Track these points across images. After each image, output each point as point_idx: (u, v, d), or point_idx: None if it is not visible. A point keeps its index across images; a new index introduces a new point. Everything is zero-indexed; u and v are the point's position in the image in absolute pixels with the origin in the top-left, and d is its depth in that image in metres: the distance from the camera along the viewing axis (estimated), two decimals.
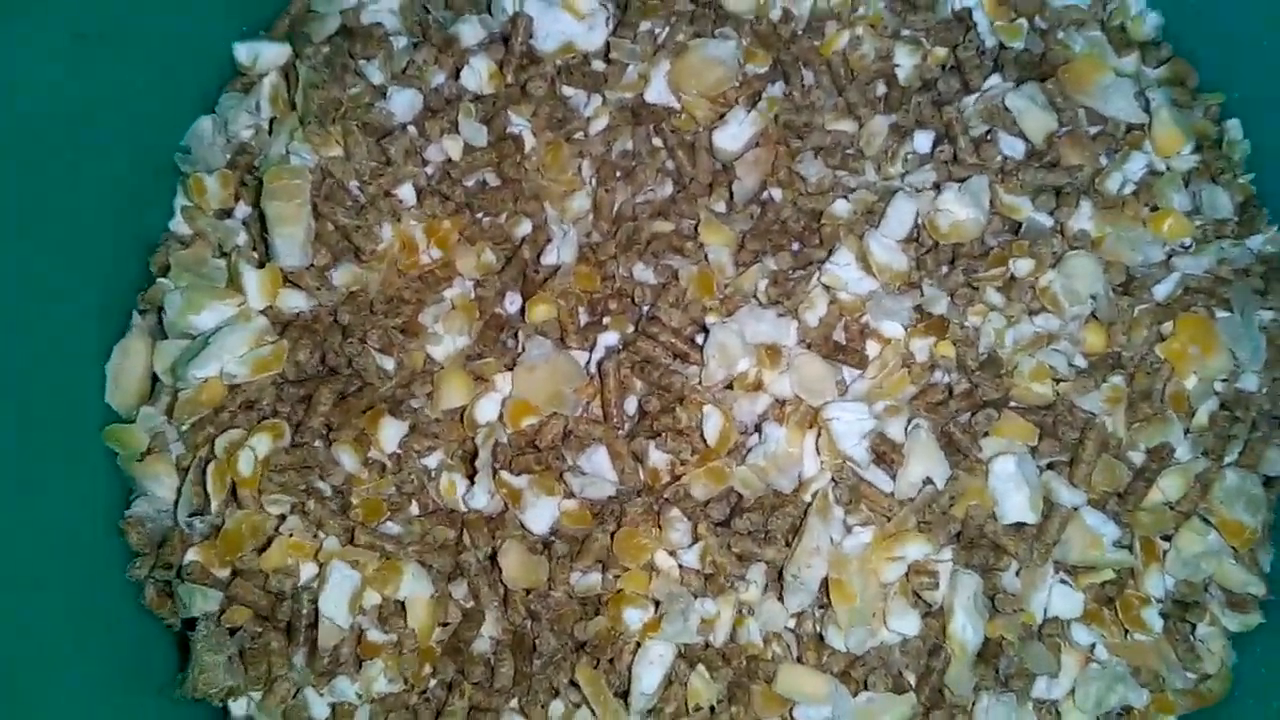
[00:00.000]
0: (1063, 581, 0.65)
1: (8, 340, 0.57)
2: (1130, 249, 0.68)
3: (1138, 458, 0.67)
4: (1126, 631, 0.66)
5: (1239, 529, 0.65)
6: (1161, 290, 0.68)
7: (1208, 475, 0.66)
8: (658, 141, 0.71)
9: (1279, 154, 0.72)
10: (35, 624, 0.57)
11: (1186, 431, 0.67)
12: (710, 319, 0.66)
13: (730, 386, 0.65)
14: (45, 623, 0.58)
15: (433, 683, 0.62)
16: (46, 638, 0.57)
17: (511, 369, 0.65)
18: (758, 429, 0.65)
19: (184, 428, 0.63)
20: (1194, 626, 0.67)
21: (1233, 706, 0.66)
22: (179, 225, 0.67)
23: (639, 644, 0.62)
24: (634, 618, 0.61)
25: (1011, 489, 0.63)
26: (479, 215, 0.68)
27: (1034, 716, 0.64)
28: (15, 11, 0.53)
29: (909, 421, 0.64)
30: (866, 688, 0.63)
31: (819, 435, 0.64)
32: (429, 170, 0.67)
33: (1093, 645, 0.65)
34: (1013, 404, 0.66)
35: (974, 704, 0.63)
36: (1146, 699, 0.66)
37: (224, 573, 0.61)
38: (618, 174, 0.70)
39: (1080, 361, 0.67)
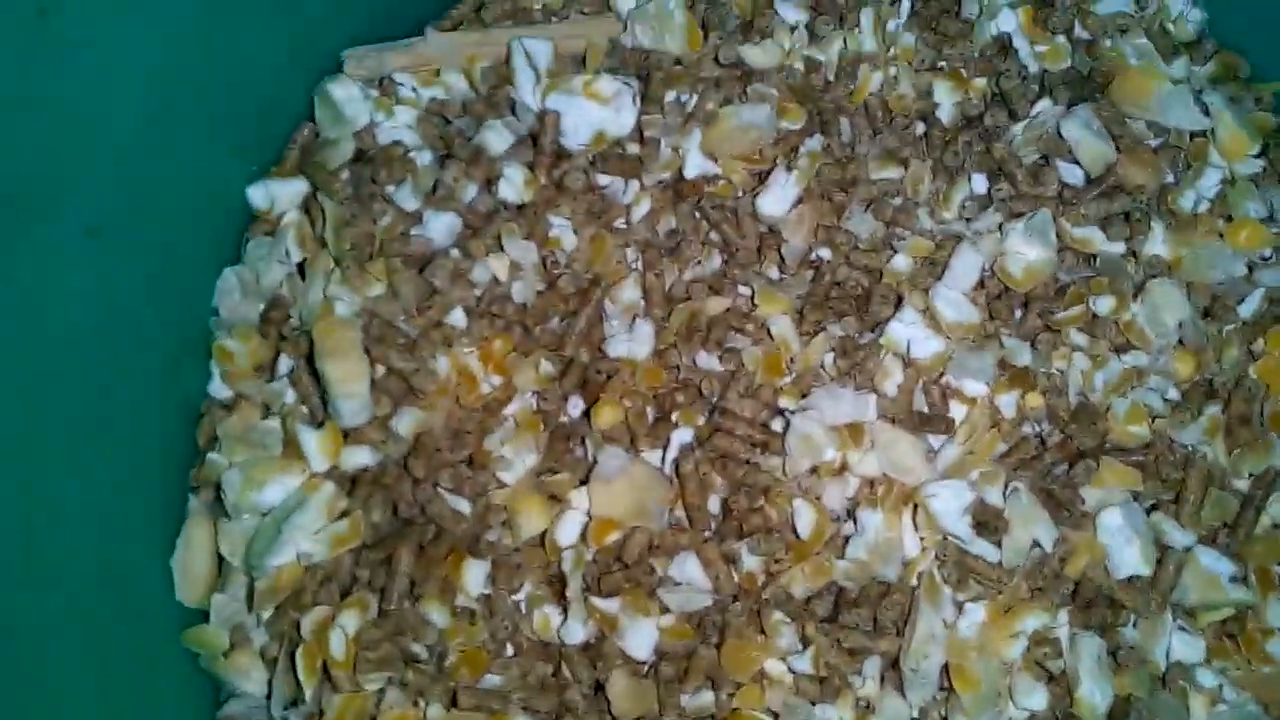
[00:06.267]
0: (1181, 628, 0.63)
1: (71, 551, 0.54)
2: (1209, 267, 0.66)
3: (1242, 485, 0.64)
4: (1251, 665, 0.64)
5: None
6: (1247, 308, 0.66)
7: None
8: (700, 215, 0.68)
9: None
10: None
11: None
12: (784, 401, 0.63)
13: (814, 470, 0.63)
14: None
15: None
16: None
17: (585, 482, 0.62)
18: (849, 514, 0.63)
19: (265, 616, 0.59)
20: None
21: None
22: (218, 389, 0.63)
23: None
24: None
25: (1122, 542, 0.61)
26: (531, 326, 0.65)
27: None
28: (33, 217, 0.49)
29: (1006, 486, 0.62)
30: None
31: (914, 511, 0.62)
32: (477, 292, 0.63)
33: (1220, 686, 0.63)
34: (1109, 447, 0.64)
35: None
36: None
37: None
38: (663, 255, 0.67)
39: (1173, 394, 0.65)
